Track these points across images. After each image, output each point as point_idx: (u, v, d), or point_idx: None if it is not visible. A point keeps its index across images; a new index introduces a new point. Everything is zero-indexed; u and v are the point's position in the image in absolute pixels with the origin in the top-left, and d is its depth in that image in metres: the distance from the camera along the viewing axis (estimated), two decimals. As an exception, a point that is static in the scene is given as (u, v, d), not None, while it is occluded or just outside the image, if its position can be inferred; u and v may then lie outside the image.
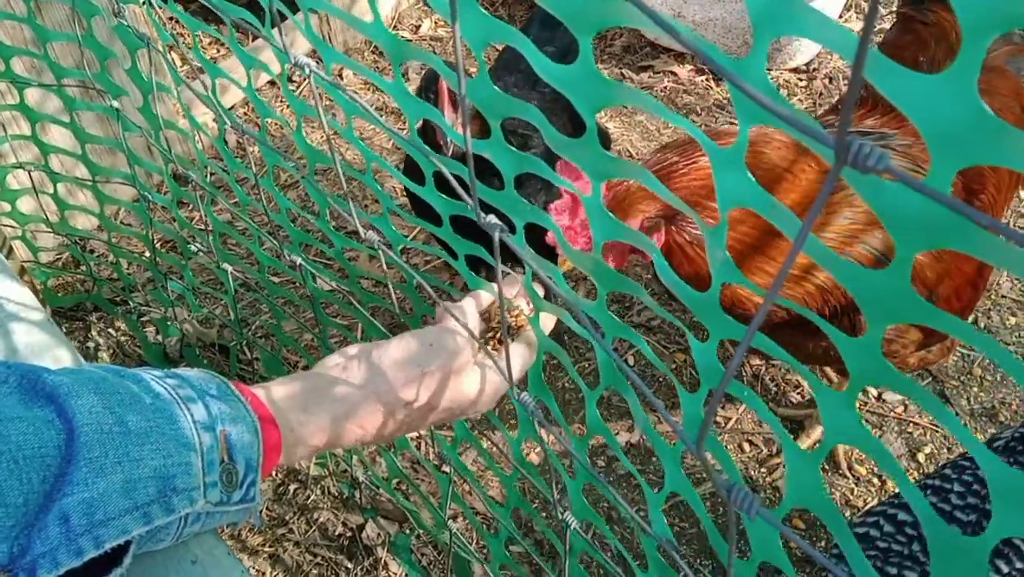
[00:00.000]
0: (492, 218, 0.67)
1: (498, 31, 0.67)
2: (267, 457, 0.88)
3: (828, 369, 2.44)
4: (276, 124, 3.39)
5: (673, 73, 3.54)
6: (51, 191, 2.29)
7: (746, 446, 2.34)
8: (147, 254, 2.28)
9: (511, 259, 0.85)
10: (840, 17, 3.62)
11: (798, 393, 2.43)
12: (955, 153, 0.39)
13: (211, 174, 3.08)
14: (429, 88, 1.86)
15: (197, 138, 1.74)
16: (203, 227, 1.86)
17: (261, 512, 2.25)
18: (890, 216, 0.44)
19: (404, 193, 2.80)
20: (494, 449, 2.27)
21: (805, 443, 2.28)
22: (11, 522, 0.69)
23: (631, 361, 2.55)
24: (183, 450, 0.80)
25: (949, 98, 0.39)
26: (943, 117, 0.39)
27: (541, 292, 1.01)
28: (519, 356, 1.04)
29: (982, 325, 2.55)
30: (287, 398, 0.93)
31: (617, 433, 2.36)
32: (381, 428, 0.98)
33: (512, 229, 0.90)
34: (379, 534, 2.18)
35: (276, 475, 2.33)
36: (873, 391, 2.42)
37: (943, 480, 1.47)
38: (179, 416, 0.82)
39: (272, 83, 3.60)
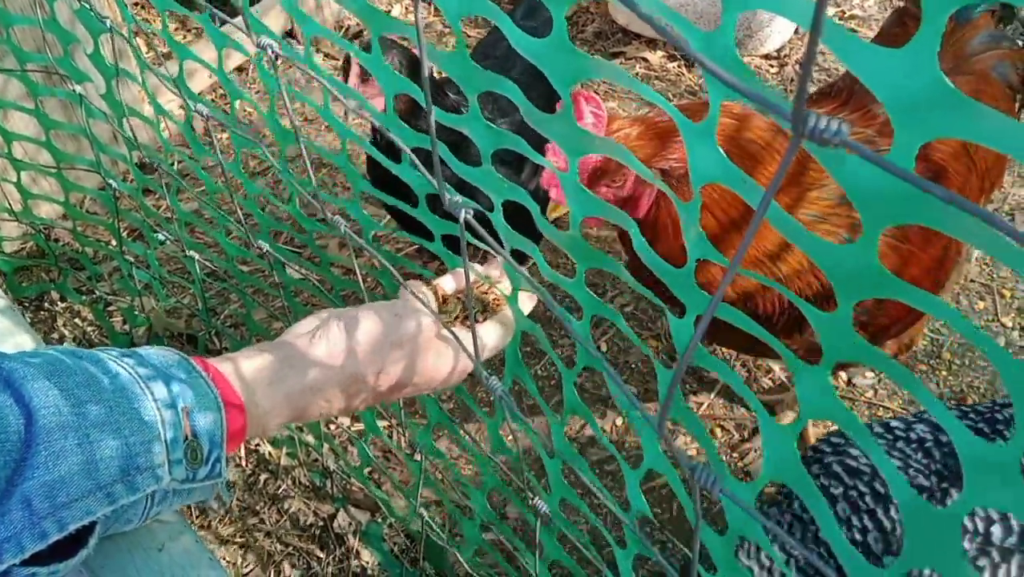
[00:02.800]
0: (458, 198, 0.66)
1: (473, 3, 0.67)
2: (231, 432, 0.87)
3: (775, 367, 2.47)
4: (244, 112, 3.36)
5: (645, 59, 3.54)
6: (14, 179, 2.25)
7: (717, 432, 2.35)
8: (113, 243, 2.25)
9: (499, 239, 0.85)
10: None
11: (769, 378, 2.45)
12: (917, 126, 0.39)
13: (178, 161, 3.04)
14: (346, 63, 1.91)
15: (163, 125, 1.72)
16: (170, 216, 1.84)
17: (232, 487, 2.24)
18: (856, 191, 0.44)
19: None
20: (468, 437, 2.27)
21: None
22: None
23: (604, 348, 2.56)
24: (145, 429, 0.79)
25: (910, 71, 0.39)
26: (905, 90, 0.39)
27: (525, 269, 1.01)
28: (493, 334, 1.03)
29: (949, 310, 2.57)
30: (254, 372, 0.92)
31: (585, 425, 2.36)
32: (348, 401, 0.98)
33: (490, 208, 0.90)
34: (351, 523, 2.17)
35: (247, 465, 2.31)
36: (843, 376, 2.44)
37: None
38: (140, 395, 0.80)
39: (239, 70, 3.56)
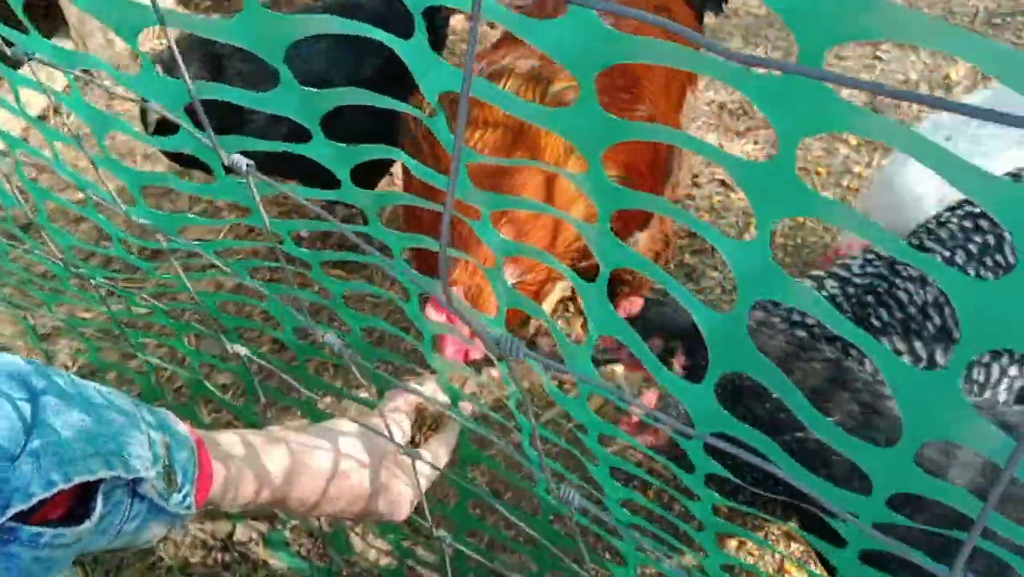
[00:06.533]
0: (237, 156, 0.68)
1: None
2: (201, 481, 0.99)
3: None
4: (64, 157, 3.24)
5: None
6: None
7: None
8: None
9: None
10: None
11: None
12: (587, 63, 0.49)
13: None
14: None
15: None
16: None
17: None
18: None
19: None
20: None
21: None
22: None
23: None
24: (136, 432, 0.91)
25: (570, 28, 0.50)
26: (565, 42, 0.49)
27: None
28: (443, 455, 1.26)
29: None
30: (230, 443, 1.08)
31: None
32: (316, 498, 1.15)
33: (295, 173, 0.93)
34: (251, 537, 2.17)
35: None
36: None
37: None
38: (133, 410, 0.94)
39: (41, 118, 3.43)
